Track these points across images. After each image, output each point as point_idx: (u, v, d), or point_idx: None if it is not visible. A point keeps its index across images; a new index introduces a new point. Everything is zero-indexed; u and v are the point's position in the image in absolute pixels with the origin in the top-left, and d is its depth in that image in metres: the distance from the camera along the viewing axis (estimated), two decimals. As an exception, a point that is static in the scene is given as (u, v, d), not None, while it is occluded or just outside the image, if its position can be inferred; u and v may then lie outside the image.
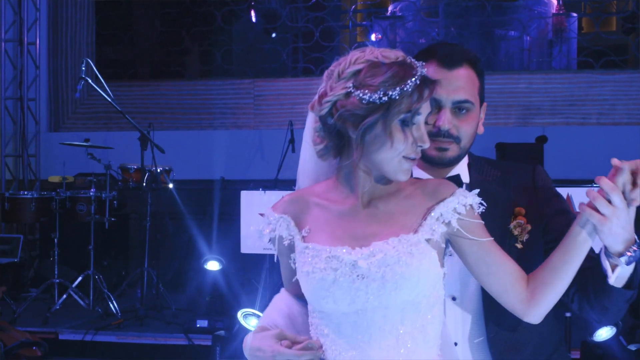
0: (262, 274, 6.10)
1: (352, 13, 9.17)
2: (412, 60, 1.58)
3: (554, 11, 9.55)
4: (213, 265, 5.50)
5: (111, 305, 5.80)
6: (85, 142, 6.18)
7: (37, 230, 7.54)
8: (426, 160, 1.92)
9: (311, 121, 1.67)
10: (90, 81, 5.82)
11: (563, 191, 4.37)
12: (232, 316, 4.82)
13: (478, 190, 1.61)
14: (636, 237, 1.58)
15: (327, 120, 1.59)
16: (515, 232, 1.87)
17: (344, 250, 1.56)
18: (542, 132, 7.16)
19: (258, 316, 4.45)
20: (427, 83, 1.56)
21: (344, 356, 1.57)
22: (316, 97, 1.62)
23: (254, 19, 8.92)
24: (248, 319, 4.48)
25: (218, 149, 7.63)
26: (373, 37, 9.31)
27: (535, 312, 1.61)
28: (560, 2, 9.32)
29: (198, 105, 8.24)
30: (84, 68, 5.85)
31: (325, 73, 1.62)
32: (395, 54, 1.57)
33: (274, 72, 8.51)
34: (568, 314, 4.29)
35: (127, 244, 7.30)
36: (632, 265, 1.62)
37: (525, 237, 1.87)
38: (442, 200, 1.60)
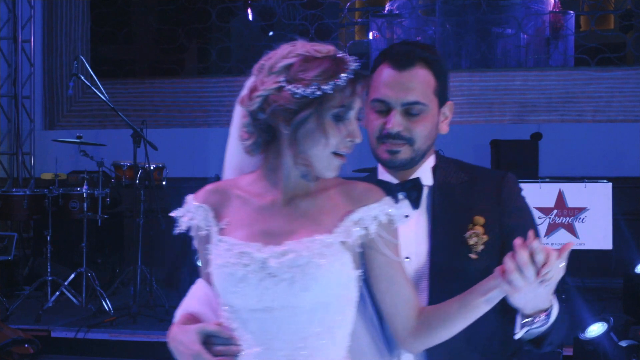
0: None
1: (349, 11, 9.15)
2: (345, 55, 1.56)
3: (550, 9, 9.53)
4: (205, 263, 5.47)
5: (104, 302, 5.79)
6: (77, 139, 6.16)
7: (32, 228, 7.53)
8: (381, 163, 1.90)
9: (239, 116, 1.64)
10: (82, 78, 5.81)
11: (553, 187, 4.40)
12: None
13: (407, 202, 1.60)
14: (552, 305, 1.57)
15: (257, 115, 1.56)
16: (471, 242, 1.82)
17: (256, 247, 1.55)
18: (538, 129, 7.15)
19: None
20: (359, 78, 1.54)
21: (248, 352, 1.56)
22: (246, 91, 1.59)
23: (250, 17, 8.91)
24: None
25: (213, 146, 7.57)
26: (370, 35, 9.29)
27: (413, 346, 1.63)
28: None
29: (193, 102, 8.22)
30: (76, 65, 5.83)
31: (255, 67, 1.60)
32: (327, 49, 1.55)
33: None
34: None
35: (120, 241, 7.29)
36: (544, 328, 1.60)
37: (480, 247, 1.82)
38: (365, 205, 1.58)
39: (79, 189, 6.33)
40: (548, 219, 4.25)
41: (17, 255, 6.92)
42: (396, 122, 1.81)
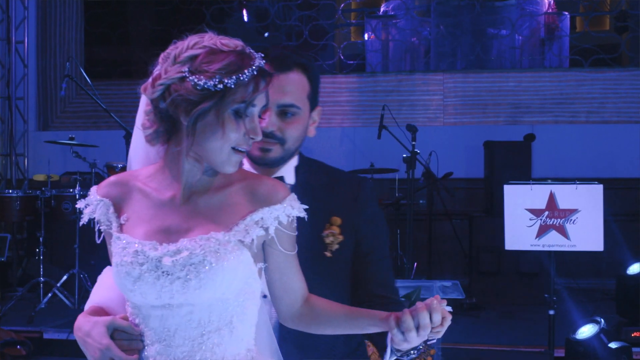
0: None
1: (344, 12, 9.15)
2: (251, 51, 1.55)
3: (545, 10, 9.54)
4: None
5: (96, 304, 5.77)
6: (69, 141, 6.15)
7: (25, 229, 7.52)
8: (251, 159, 1.96)
9: (143, 104, 1.64)
10: (75, 80, 5.80)
11: (544, 189, 4.39)
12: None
13: (306, 206, 1.60)
14: (422, 344, 1.59)
15: (159, 103, 1.54)
16: (327, 241, 1.91)
17: (151, 246, 1.54)
18: (531, 130, 7.16)
19: None
20: (263, 75, 1.53)
21: (150, 348, 1.56)
22: (149, 79, 1.58)
23: (245, 18, 8.90)
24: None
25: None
26: (365, 36, 9.29)
27: (294, 326, 1.67)
28: (552, 0, 9.32)
29: (187, 103, 8.21)
30: (69, 66, 5.83)
31: (161, 55, 1.59)
32: (235, 43, 1.54)
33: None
34: (551, 312, 4.29)
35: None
36: (414, 356, 1.65)
37: (335, 247, 1.91)
38: (267, 206, 1.57)
39: (71, 190, 6.32)
40: (539, 221, 4.25)
41: (10, 257, 6.91)
42: (271, 122, 1.88)
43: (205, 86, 1.49)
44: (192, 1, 8.77)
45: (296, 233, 1.60)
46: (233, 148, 1.53)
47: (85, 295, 6.00)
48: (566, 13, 9.21)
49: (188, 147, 1.53)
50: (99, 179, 6.32)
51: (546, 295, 4.37)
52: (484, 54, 8.86)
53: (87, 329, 1.60)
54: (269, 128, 1.87)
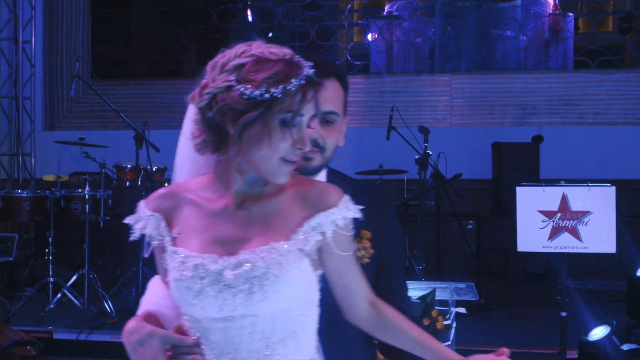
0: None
1: (349, 12, 9.16)
2: (300, 59, 1.52)
3: (550, 11, 9.55)
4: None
5: (106, 304, 5.78)
6: (79, 141, 6.16)
7: (32, 229, 7.52)
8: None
9: (191, 113, 1.61)
10: (84, 80, 5.81)
11: (557, 191, 4.40)
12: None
13: (361, 206, 1.58)
14: None
15: (206, 112, 1.52)
16: (358, 254, 1.87)
17: (211, 259, 1.51)
18: (538, 131, 7.16)
19: None
20: (312, 84, 1.50)
21: None
22: (197, 88, 1.55)
23: (250, 19, 8.91)
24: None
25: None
26: (369, 36, 9.30)
27: (359, 326, 1.64)
28: (557, 2, 9.32)
29: (194, 104, 8.21)
30: (78, 66, 5.83)
31: (209, 64, 1.56)
32: (283, 52, 1.51)
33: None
34: (564, 314, 4.30)
35: (122, 243, 7.27)
36: None
37: (366, 260, 1.90)
38: (323, 210, 1.54)
39: (80, 190, 6.32)
40: (552, 223, 4.25)
41: (17, 257, 6.91)
42: (317, 130, 1.86)
43: (252, 95, 1.46)
44: (198, 1, 8.78)
45: (352, 232, 1.57)
46: (282, 158, 1.50)
47: (94, 295, 6.01)
48: (571, 14, 9.22)
49: (235, 156, 1.51)
50: (108, 179, 6.34)
51: (558, 297, 4.37)
52: (489, 55, 8.87)
53: (140, 337, 1.56)
54: (314, 135, 1.85)
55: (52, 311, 5.85)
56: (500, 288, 6.47)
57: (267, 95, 1.46)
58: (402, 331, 1.61)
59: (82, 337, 5.41)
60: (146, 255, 1.66)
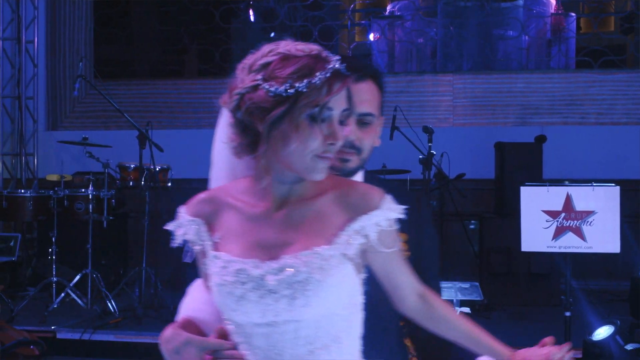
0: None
1: (351, 12, 9.16)
2: (328, 54, 1.50)
3: (552, 11, 9.55)
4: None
5: (109, 304, 5.79)
6: (83, 141, 6.16)
7: (35, 228, 7.53)
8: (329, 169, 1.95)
9: (225, 117, 1.61)
10: (89, 80, 5.82)
11: (561, 190, 4.41)
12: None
13: (404, 205, 1.57)
14: None
15: (236, 114, 1.52)
16: None
17: (253, 264, 1.50)
18: (541, 131, 7.16)
19: None
20: (339, 77, 1.47)
21: None
22: (227, 90, 1.55)
23: (252, 18, 8.91)
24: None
25: (216, 147, 7.61)
26: (371, 36, 9.30)
27: (410, 317, 1.64)
28: (559, 1, 9.33)
29: (196, 104, 8.22)
30: (81, 66, 5.84)
31: (239, 66, 1.56)
32: (310, 48, 1.50)
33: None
34: (568, 314, 4.30)
35: (125, 242, 7.29)
36: None
37: None
38: (366, 213, 1.51)
39: (84, 190, 6.32)
40: (556, 222, 4.26)
41: (20, 256, 6.91)
42: (352, 131, 1.85)
43: (277, 92, 1.45)
44: (200, 1, 8.78)
45: (396, 227, 1.55)
46: (315, 155, 1.48)
47: (97, 295, 6.01)
48: (573, 14, 9.22)
49: (264, 155, 1.50)
50: (111, 179, 6.34)
51: (562, 297, 4.38)
52: (491, 55, 8.87)
53: (177, 345, 1.57)
54: (350, 137, 1.83)
55: (56, 311, 5.85)
56: (503, 288, 6.47)
57: (291, 91, 1.45)
58: (453, 324, 1.61)
59: (86, 336, 5.41)
60: (188, 260, 1.66)
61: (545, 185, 4.34)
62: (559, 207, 4.27)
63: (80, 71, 5.88)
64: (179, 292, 6.05)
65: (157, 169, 6.07)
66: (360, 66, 1.88)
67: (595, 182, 4.37)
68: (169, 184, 6.39)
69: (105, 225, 6.24)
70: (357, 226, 1.51)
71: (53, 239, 6.12)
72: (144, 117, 6.98)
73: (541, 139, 6.82)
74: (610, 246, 4.24)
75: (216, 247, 1.56)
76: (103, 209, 6.19)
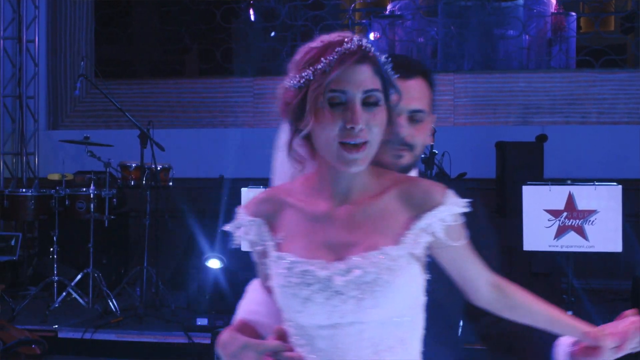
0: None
1: (352, 12, 9.16)
2: (346, 37, 1.45)
3: (552, 10, 9.56)
4: (214, 264, 5.50)
5: (110, 303, 5.79)
6: (84, 140, 6.16)
7: (36, 228, 7.52)
8: (381, 167, 1.95)
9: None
10: (90, 79, 5.82)
11: (563, 190, 4.41)
12: (232, 314, 4.81)
13: (468, 199, 1.54)
14: None
15: (283, 117, 1.53)
16: None
17: (319, 265, 1.46)
18: (542, 131, 7.15)
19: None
20: (346, 57, 1.42)
21: None
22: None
23: (253, 18, 8.92)
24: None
25: (217, 147, 7.62)
26: (372, 36, 9.31)
27: (485, 308, 1.60)
28: (559, 1, 9.34)
29: (197, 103, 8.23)
30: (83, 65, 5.84)
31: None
32: (334, 36, 1.47)
33: (273, 70, 8.50)
34: (569, 313, 4.30)
35: (126, 242, 7.29)
36: None
37: None
38: (430, 210, 1.48)
39: (85, 189, 6.32)
40: (558, 222, 4.26)
41: (21, 256, 6.91)
42: (405, 128, 1.84)
43: (293, 86, 1.46)
44: (201, 1, 8.79)
45: (462, 220, 1.52)
46: (341, 143, 1.43)
47: (98, 294, 6.02)
48: (574, 14, 9.23)
49: (314, 152, 1.50)
50: (112, 179, 6.34)
51: (564, 296, 4.38)
52: (492, 54, 8.88)
53: (234, 349, 1.56)
54: (402, 133, 1.82)
55: (57, 310, 5.85)
56: (504, 287, 6.46)
57: (302, 81, 1.45)
58: (531, 309, 1.57)
59: (87, 336, 5.42)
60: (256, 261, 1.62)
61: (548, 185, 4.34)
62: (561, 207, 4.28)
63: (81, 70, 5.88)
64: (181, 291, 6.10)
65: (159, 169, 6.07)
66: (409, 63, 1.88)
67: (597, 182, 4.36)
68: (170, 184, 6.39)
69: (106, 225, 6.24)
70: (423, 224, 1.48)
71: (54, 238, 6.12)
72: (145, 117, 6.98)
73: (542, 138, 6.82)
74: (612, 245, 4.25)
75: (279, 247, 1.53)
76: (104, 208, 6.19)
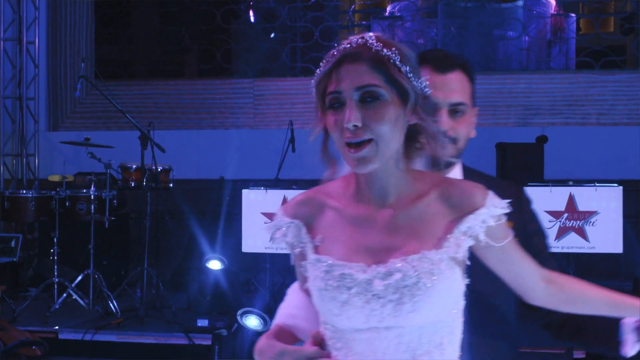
0: (263, 274, 6.09)
1: (351, 13, 9.17)
2: (349, 40, 1.45)
3: (552, 12, 9.56)
4: (215, 265, 5.50)
5: (111, 304, 5.79)
6: (85, 141, 6.16)
7: (36, 229, 7.52)
8: (433, 161, 1.93)
9: None
10: (91, 81, 5.82)
11: (564, 191, 4.41)
12: (232, 315, 4.81)
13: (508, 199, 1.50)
14: None
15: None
16: None
17: (359, 268, 1.44)
18: (542, 132, 7.16)
19: (257, 315, 4.46)
20: (336, 59, 1.44)
21: None
22: None
23: (253, 19, 8.92)
24: (247, 318, 4.48)
25: (218, 148, 7.63)
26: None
27: (541, 305, 1.57)
28: (559, 2, 9.34)
29: (197, 104, 8.23)
30: (83, 67, 5.84)
31: None
32: (345, 41, 1.46)
33: (273, 71, 8.51)
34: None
35: (127, 243, 7.29)
36: None
37: None
38: (471, 213, 1.46)
39: (85, 190, 6.32)
40: (558, 223, 4.27)
41: (21, 257, 6.91)
42: (445, 121, 1.84)
43: (313, 93, 1.50)
44: (201, 2, 8.79)
45: (505, 219, 1.48)
46: (346, 143, 1.43)
47: (99, 295, 6.01)
48: (573, 15, 9.24)
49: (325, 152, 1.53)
50: (113, 180, 6.34)
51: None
52: (492, 55, 8.88)
53: (271, 357, 1.55)
54: (444, 127, 1.82)
55: (58, 311, 5.84)
56: (504, 288, 6.46)
57: (314, 89, 1.49)
58: (589, 298, 1.55)
59: (88, 337, 5.41)
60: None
61: (548, 186, 4.34)
62: (562, 208, 4.29)
63: (82, 72, 5.88)
64: (182, 292, 6.08)
65: (159, 170, 6.07)
66: (446, 57, 1.89)
67: (597, 183, 4.37)
68: (171, 185, 6.39)
69: (107, 226, 6.23)
70: (464, 227, 1.46)
71: (55, 240, 6.11)
72: (145, 118, 6.99)
73: (542, 139, 6.82)
74: (612, 246, 4.25)
75: (317, 249, 1.51)
76: (105, 209, 6.19)
